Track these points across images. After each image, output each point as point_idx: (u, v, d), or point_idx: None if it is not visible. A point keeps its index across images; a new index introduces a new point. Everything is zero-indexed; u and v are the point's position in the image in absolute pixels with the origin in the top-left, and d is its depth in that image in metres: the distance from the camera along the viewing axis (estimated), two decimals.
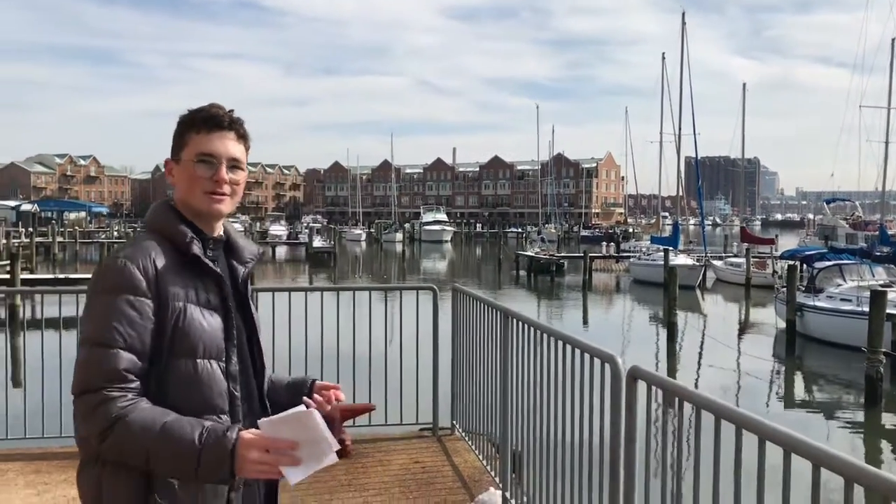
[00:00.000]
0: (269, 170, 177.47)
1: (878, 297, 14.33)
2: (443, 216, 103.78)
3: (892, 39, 41.98)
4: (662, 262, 38.42)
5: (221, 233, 2.03)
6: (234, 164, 1.97)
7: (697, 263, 37.98)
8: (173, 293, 1.84)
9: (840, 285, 21.89)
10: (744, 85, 53.17)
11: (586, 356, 3.16)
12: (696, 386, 13.09)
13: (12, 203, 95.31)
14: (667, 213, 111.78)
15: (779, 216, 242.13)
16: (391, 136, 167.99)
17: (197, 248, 1.90)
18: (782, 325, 23.97)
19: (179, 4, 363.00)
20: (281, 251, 71.47)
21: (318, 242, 63.84)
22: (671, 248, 39.64)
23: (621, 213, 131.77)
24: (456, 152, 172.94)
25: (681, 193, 49.92)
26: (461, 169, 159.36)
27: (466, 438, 5.19)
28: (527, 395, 3.91)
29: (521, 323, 3.99)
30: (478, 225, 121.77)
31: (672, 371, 19.09)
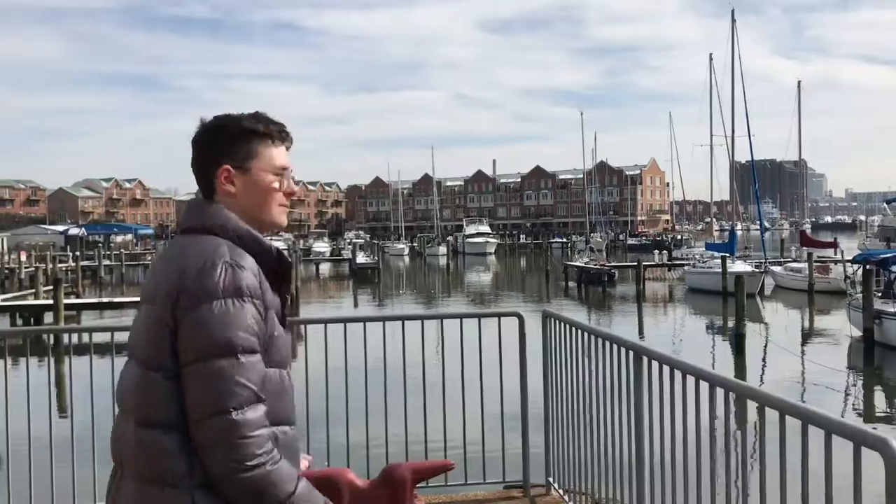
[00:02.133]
0: (311, 187, 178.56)
1: None
2: (486, 228, 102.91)
3: None
4: (719, 270, 37.00)
5: None
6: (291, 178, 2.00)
7: (756, 270, 36.45)
8: (269, 301, 1.80)
9: None
10: (798, 83, 51.58)
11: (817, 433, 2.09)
12: None
13: (60, 228, 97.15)
14: (713, 219, 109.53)
15: (828, 218, 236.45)
16: (431, 150, 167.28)
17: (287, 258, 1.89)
18: (857, 333, 22.47)
19: (220, 28, 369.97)
20: (325, 268, 71.27)
21: (361, 258, 63.42)
22: (728, 255, 38.15)
23: (667, 220, 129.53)
24: (496, 164, 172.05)
25: (734, 198, 48.29)
26: (502, 180, 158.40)
27: (568, 499, 4.19)
28: (672, 452, 2.93)
29: (668, 367, 2.99)
30: (521, 236, 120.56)
31: None
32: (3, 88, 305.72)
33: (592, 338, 3.77)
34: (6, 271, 53.62)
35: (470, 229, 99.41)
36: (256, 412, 1.66)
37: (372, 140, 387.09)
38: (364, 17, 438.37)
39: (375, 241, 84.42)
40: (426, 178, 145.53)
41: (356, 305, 42.14)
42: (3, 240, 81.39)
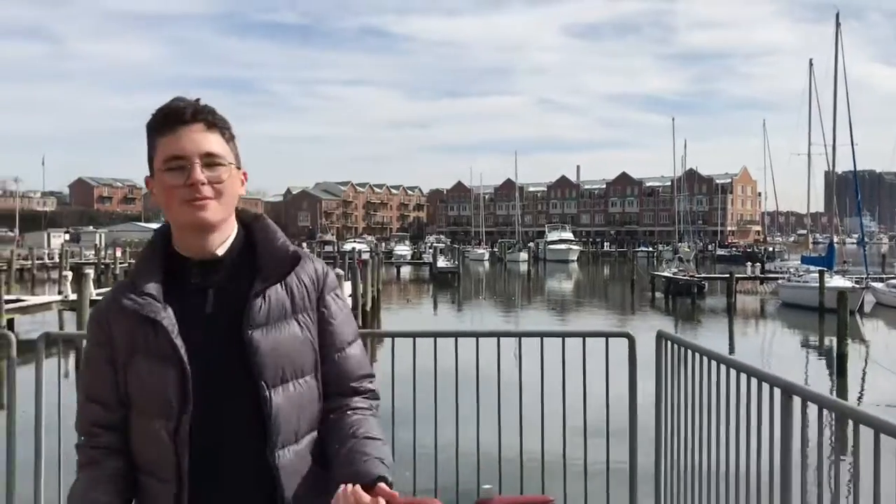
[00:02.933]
0: (393, 191, 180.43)
1: None
2: (568, 235, 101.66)
3: None
4: (816, 285, 35.26)
5: (226, 249, 1.70)
6: (211, 161, 1.65)
7: (857, 286, 34.52)
8: (123, 339, 1.65)
9: None
10: None
11: None
12: None
13: (155, 225, 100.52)
14: (805, 231, 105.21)
15: None
16: (514, 155, 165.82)
17: (131, 297, 1.65)
18: None
19: (310, 35, 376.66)
20: (405, 271, 71.64)
21: (442, 262, 63.45)
22: (826, 269, 36.30)
23: (758, 231, 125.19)
24: (580, 170, 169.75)
25: (832, 210, 46.03)
26: (586, 186, 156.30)
27: None
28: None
29: (824, 411, 2.48)
30: (605, 244, 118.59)
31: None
32: (103, 90, 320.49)
33: (724, 369, 3.25)
34: (102, 266, 55.90)
35: (552, 236, 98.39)
36: (78, 451, 1.75)
37: (454, 145, 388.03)
38: (450, 23, 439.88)
39: (456, 246, 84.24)
40: (508, 184, 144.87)
41: (436, 309, 42.00)
42: (100, 236, 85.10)
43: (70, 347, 4.85)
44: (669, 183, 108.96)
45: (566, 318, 35.89)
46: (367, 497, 1.50)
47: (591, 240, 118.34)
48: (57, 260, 56.00)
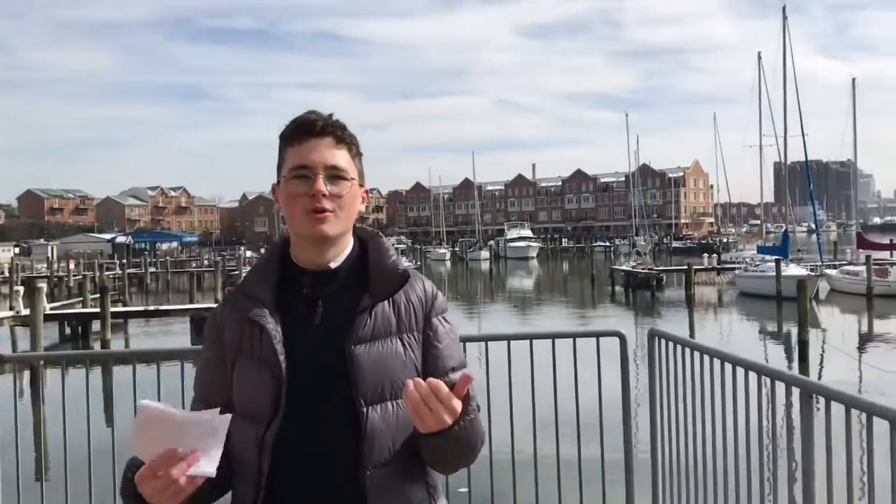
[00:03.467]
0: None
1: None
2: (527, 232, 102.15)
3: None
4: (773, 274, 35.89)
5: (339, 262, 1.74)
6: (335, 174, 1.70)
7: (812, 273, 35.22)
8: (228, 341, 1.70)
9: None
10: (853, 81, 49.50)
11: None
12: None
13: (108, 236, 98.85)
14: (757, 222, 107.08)
15: (877, 220, 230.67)
16: (472, 155, 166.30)
17: (242, 300, 1.70)
18: None
19: (264, 38, 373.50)
20: None
21: (403, 263, 63.05)
22: (782, 258, 36.97)
23: (712, 223, 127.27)
24: (535, 168, 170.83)
25: (784, 200, 46.95)
26: (543, 184, 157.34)
27: None
28: None
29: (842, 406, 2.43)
30: (563, 240, 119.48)
31: None
32: (53, 99, 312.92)
33: (718, 363, 3.20)
34: (55, 279, 54.51)
35: (512, 233, 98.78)
36: None
37: (412, 146, 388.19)
38: (404, 25, 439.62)
39: (417, 247, 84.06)
40: (467, 183, 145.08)
41: None
42: (52, 248, 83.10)
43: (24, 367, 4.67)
44: (624, 178, 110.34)
45: (534, 316, 35.96)
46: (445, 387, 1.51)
47: (549, 236, 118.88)
48: (7, 274, 54.44)
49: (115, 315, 26.32)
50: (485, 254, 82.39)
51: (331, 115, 1.74)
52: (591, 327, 25.07)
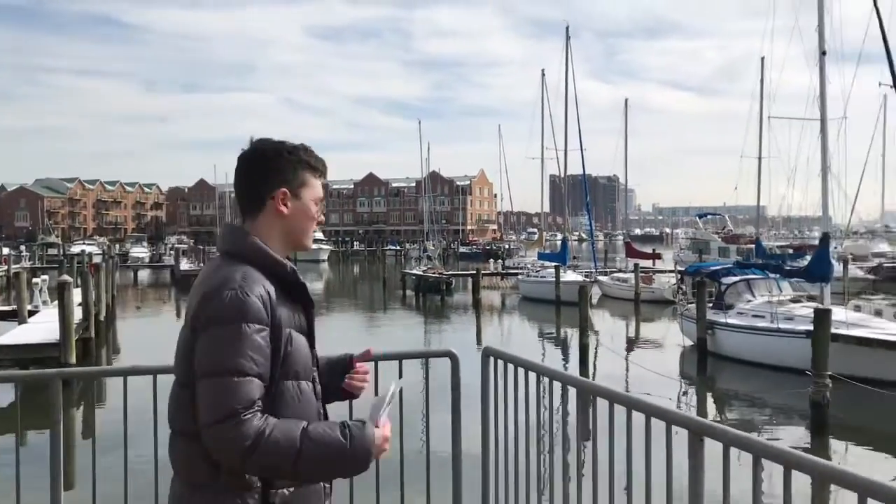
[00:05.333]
0: (128, 188, 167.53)
1: (822, 317, 13.40)
2: (318, 234, 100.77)
3: (762, 58, 43.40)
4: (552, 279, 37.86)
5: None
6: None
7: (587, 279, 37.53)
8: (284, 319, 1.99)
9: (750, 301, 21.39)
10: (626, 101, 53.75)
11: None
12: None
13: None
14: (535, 230, 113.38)
15: (638, 231, 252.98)
16: None
17: (301, 278, 2.13)
18: (688, 342, 23.33)
19: (30, 17, 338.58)
20: (143, 275, 66.56)
21: (185, 265, 59.74)
22: (560, 265, 39.10)
23: (495, 230, 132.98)
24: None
25: (564, 210, 49.85)
26: (335, 186, 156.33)
27: None
28: None
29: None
30: (354, 243, 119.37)
31: None
32: None
33: (559, 386, 2.90)
34: None
35: None
36: (235, 422, 1.84)
37: (197, 141, 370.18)
38: (190, 16, 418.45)
39: (201, 247, 79.75)
40: None
41: (178, 315, 39.35)
42: None
43: None
44: (415, 184, 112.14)
45: (327, 321, 35.20)
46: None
47: (340, 239, 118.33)
48: None
49: None
50: None
51: None
52: (416, 347, 25.01)
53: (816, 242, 23.15)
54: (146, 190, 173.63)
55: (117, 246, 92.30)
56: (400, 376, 3.47)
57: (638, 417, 2.64)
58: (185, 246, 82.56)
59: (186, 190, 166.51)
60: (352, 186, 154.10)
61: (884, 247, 50.64)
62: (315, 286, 57.69)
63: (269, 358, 1.91)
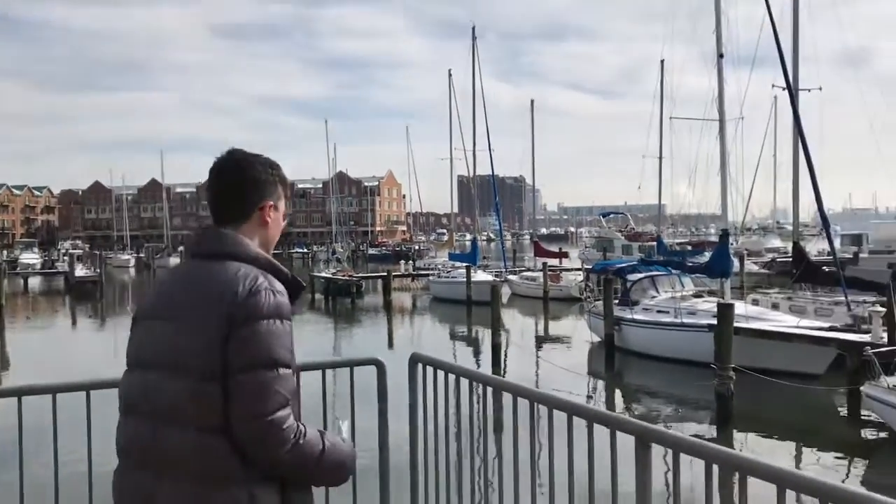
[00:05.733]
0: (16, 191, 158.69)
1: (725, 311, 13.84)
2: None
3: (661, 61, 44.78)
4: (463, 280, 38.01)
5: None
6: None
7: (497, 279, 37.85)
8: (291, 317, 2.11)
9: (654, 297, 21.97)
10: (532, 102, 54.50)
11: None
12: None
13: None
14: (444, 230, 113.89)
15: (544, 230, 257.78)
16: (161, 154, 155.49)
17: (293, 282, 2.18)
18: (596, 338, 23.77)
19: None
20: (35, 282, 63.29)
21: (80, 271, 57.12)
22: (471, 265, 39.29)
23: (405, 231, 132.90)
24: None
25: (472, 211, 50.18)
26: None
27: None
28: None
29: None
30: None
31: None
32: None
33: (490, 391, 2.77)
34: None
35: None
36: (285, 413, 1.94)
37: (91, 142, 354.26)
38: (82, 13, 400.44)
39: (97, 252, 76.42)
40: (154, 184, 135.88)
41: (74, 325, 37.54)
42: None
43: None
44: (321, 185, 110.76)
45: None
46: None
47: None
48: None
49: None
50: (174, 259, 77.40)
51: None
52: (328, 351, 24.46)
53: (714, 239, 24.01)
54: (36, 193, 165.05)
55: (5, 252, 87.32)
56: (323, 385, 3.27)
57: (579, 423, 2.53)
58: (80, 251, 79.00)
59: (80, 193, 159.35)
60: None
61: (776, 242, 53.12)
62: None
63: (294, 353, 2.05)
